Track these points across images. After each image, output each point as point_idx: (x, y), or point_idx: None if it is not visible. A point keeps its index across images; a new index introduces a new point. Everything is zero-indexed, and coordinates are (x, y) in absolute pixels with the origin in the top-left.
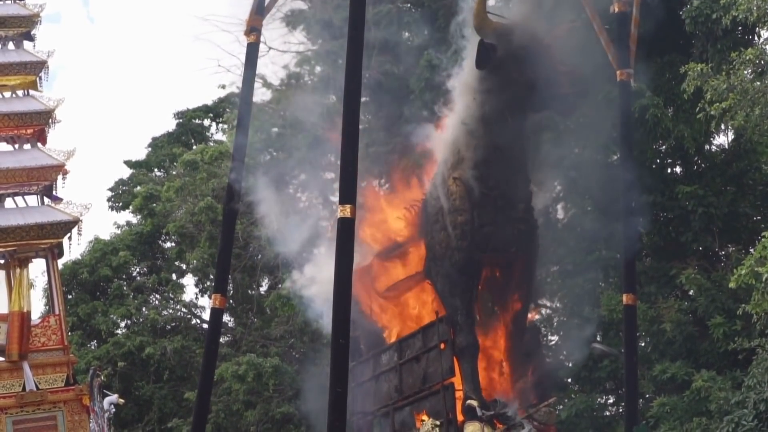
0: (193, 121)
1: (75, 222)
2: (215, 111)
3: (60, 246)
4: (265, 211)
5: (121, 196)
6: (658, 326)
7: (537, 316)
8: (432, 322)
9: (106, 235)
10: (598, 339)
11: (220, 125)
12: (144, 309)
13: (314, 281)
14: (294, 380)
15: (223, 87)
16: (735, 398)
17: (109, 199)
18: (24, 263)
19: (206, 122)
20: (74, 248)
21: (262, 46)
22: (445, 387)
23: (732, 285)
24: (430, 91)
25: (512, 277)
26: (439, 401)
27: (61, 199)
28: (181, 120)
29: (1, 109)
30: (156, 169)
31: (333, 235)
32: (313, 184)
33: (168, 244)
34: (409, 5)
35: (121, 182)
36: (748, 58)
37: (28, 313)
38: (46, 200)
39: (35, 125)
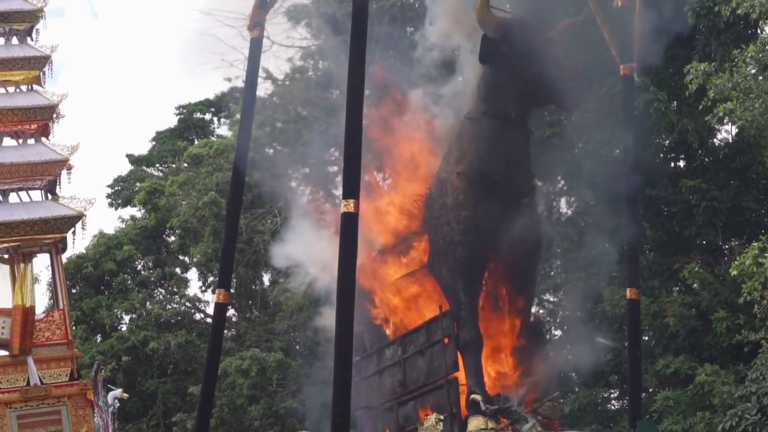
0: (195, 115)
1: (79, 217)
2: (217, 105)
3: (64, 241)
4: (268, 205)
5: (120, 193)
6: (661, 320)
7: (541, 311)
8: (436, 316)
9: (109, 230)
10: (602, 333)
11: (222, 120)
12: (148, 303)
13: (318, 276)
14: (298, 375)
15: (229, 80)
16: (738, 392)
17: (108, 196)
18: (28, 258)
19: (207, 116)
20: (78, 243)
21: (265, 41)
22: (449, 381)
23: (734, 272)
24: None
25: (516, 271)
26: (443, 396)
27: (57, 195)
28: (182, 115)
29: (5, 104)
30: (158, 164)
31: (336, 229)
32: (317, 178)
33: (172, 239)
34: (413, 1)
35: (119, 179)
36: (750, 55)
37: (32, 307)
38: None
39: (39, 120)
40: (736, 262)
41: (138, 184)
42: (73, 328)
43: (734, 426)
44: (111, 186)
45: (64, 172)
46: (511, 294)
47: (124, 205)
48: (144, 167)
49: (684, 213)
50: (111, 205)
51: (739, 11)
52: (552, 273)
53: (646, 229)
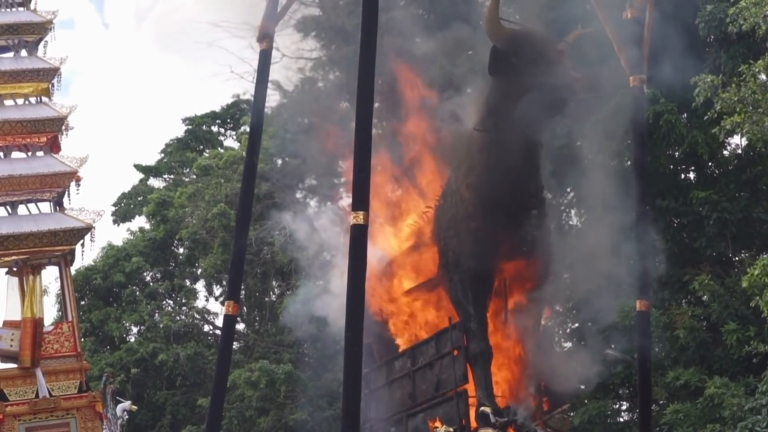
0: (203, 127)
1: (88, 229)
2: (224, 117)
3: (73, 253)
4: (277, 217)
5: (124, 209)
6: (671, 332)
7: (550, 322)
8: (445, 328)
9: (118, 241)
10: (611, 345)
11: (229, 131)
12: (157, 315)
13: (327, 288)
14: (307, 387)
15: (237, 97)
16: (748, 404)
17: (113, 214)
18: (37, 270)
19: (214, 128)
20: (87, 255)
21: (275, 53)
22: (458, 393)
23: (744, 284)
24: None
25: (525, 283)
26: (453, 408)
27: (65, 207)
28: (190, 126)
29: (14, 116)
30: (166, 174)
31: (346, 241)
32: (326, 189)
33: (181, 250)
34: (421, 11)
35: (124, 195)
36: (757, 70)
37: (41, 319)
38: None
39: (48, 132)
40: (746, 275)
41: (140, 198)
42: (82, 340)
43: None
44: (115, 204)
45: (72, 184)
46: (521, 306)
47: (125, 220)
48: (152, 177)
49: (694, 224)
50: (115, 221)
51: (744, 27)
52: (561, 285)
53: (656, 241)
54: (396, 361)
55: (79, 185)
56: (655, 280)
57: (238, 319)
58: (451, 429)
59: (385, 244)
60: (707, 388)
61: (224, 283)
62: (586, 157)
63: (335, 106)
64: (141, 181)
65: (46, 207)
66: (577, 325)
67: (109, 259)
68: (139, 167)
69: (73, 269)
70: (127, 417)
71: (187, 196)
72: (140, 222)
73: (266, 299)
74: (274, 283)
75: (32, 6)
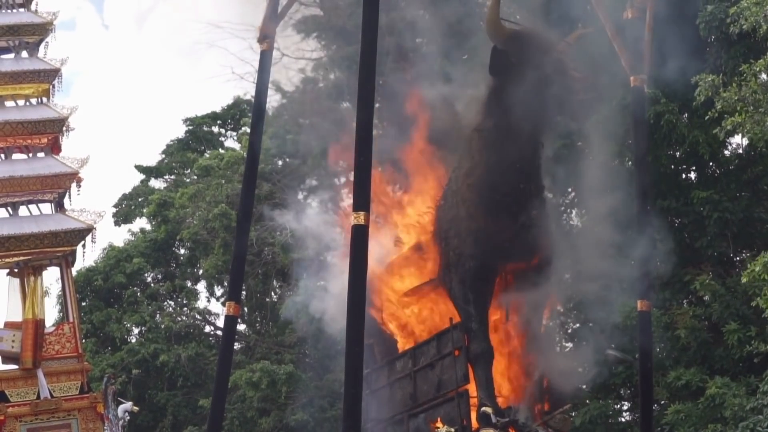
0: (203, 128)
1: (89, 230)
2: (224, 118)
3: (74, 254)
4: (278, 218)
5: (125, 210)
6: (672, 332)
7: (551, 323)
8: (446, 329)
9: (119, 242)
10: (613, 345)
11: (230, 132)
12: (158, 316)
13: (327, 289)
14: (308, 387)
15: (238, 97)
16: (750, 404)
17: (114, 215)
18: (38, 271)
19: (215, 129)
20: (88, 256)
21: (275, 54)
22: (459, 394)
23: (744, 280)
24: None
25: (526, 283)
26: (454, 408)
27: (66, 208)
28: (190, 127)
29: (15, 118)
30: (167, 175)
31: (346, 242)
32: (327, 190)
33: (182, 251)
34: (422, 12)
35: (124, 196)
36: (758, 69)
37: (42, 320)
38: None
39: (49, 133)
40: (746, 270)
41: (140, 199)
42: (83, 341)
43: None
44: (116, 205)
45: (73, 185)
46: (521, 306)
47: (126, 221)
48: (153, 178)
49: (695, 224)
50: (116, 222)
51: (745, 26)
52: (562, 285)
53: (657, 241)
54: (397, 362)
55: (79, 186)
56: (657, 280)
57: (239, 319)
58: (453, 429)
59: (386, 244)
60: (708, 388)
61: (225, 283)
62: (587, 157)
63: (336, 107)
64: (142, 181)
65: (47, 208)
66: (578, 325)
67: (110, 260)
68: (139, 168)
69: (74, 270)
70: (128, 418)
71: (188, 197)
72: (141, 223)
73: (267, 300)
74: (275, 283)
75: (33, 7)
